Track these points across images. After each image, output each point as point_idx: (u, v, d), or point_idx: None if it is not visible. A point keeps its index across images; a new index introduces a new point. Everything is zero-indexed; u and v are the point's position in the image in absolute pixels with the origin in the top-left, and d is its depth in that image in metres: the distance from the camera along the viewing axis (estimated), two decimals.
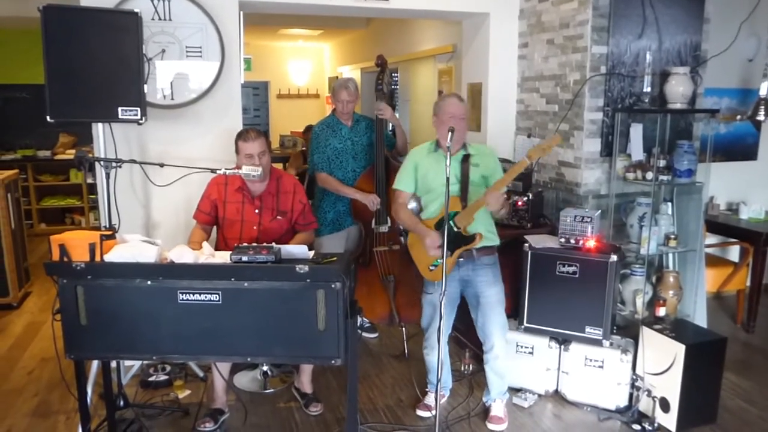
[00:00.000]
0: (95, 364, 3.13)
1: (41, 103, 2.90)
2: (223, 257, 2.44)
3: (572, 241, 3.25)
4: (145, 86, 3.08)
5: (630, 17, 3.66)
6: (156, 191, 3.46)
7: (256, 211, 3.04)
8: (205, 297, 2.32)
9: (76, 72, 2.89)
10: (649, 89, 3.63)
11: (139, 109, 3.01)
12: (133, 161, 2.99)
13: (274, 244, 2.41)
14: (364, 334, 4.19)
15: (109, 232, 2.50)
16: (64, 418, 3.17)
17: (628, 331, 3.45)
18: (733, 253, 4.93)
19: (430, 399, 3.25)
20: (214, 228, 3.14)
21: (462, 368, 3.65)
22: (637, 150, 3.63)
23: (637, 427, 3.08)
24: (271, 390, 3.45)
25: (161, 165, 2.87)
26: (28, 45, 6.58)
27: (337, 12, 4.30)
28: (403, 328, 3.93)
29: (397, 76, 7.38)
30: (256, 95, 10.36)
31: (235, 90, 3.74)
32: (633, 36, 3.69)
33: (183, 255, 2.38)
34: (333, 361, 2.36)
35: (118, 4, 3.38)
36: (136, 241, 2.46)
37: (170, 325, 2.36)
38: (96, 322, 2.36)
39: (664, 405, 3.04)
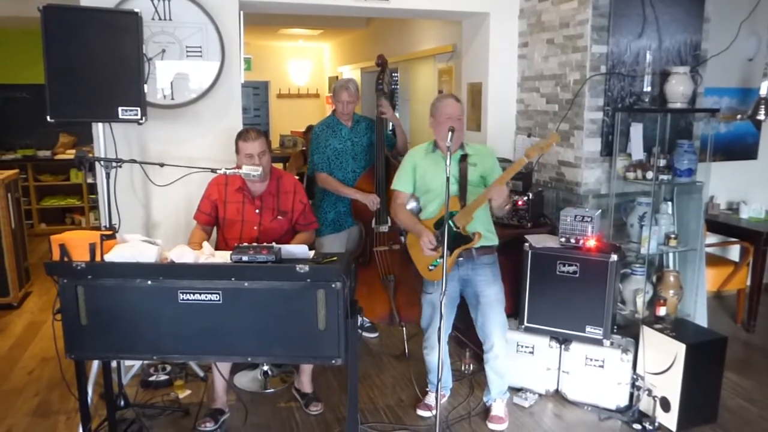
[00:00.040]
0: (96, 364, 3.13)
1: (41, 103, 2.90)
2: (224, 257, 2.44)
3: (572, 240, 3.25)
4: (145, 86, 3.08)
5: (630, 17, 3.66)
6: (156, 191, 3.46)
7: (257, 211, 3.04)
8: (206, 297, 2.32)
9: (76, 72, 2.89)
10: (649, 89, 3.63)
11: (139, 108, 3.01)
12: (133, 161, 2.99)
13: (274, 244, 2.41)
14: (365, 334, 4.19)
15: (110, 232, 2.50)
16: (65, 418, 3.17)
17: (628, 330, 3.45)
18: (734, 252, 4.93)
19: (430, 399, 3.25)
20: (215, 228, 3.14)
21: (462, 368, 3.65)
22: (637, 149, 3.63)
23: (637, 426, 3.08)
24: (272, 390, 3.45)
25: (161, 165, 2.86)
26: (28, 45, 6.58)
27: (337, 12, 4.30)
28: (404, 328, 3.93)
29: (397, 76, 7.38)
30: (256, 95, 10.36)
31: (236, 90, 3.74)
32: (633, 35, 3.69)
33: (183, 255, 2.38)
34: (333, 361, 2.36)
35: (118, 4, 3.38)
36: (136, 241, 2.46)
37: (170, 325, 2.36)
38: (96, 321, 2.36)
39: (665, 404, 3.04)
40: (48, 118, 2.88)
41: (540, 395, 3.38)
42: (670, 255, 3.77)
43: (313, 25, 8.09)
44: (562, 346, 3.32)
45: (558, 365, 3.34)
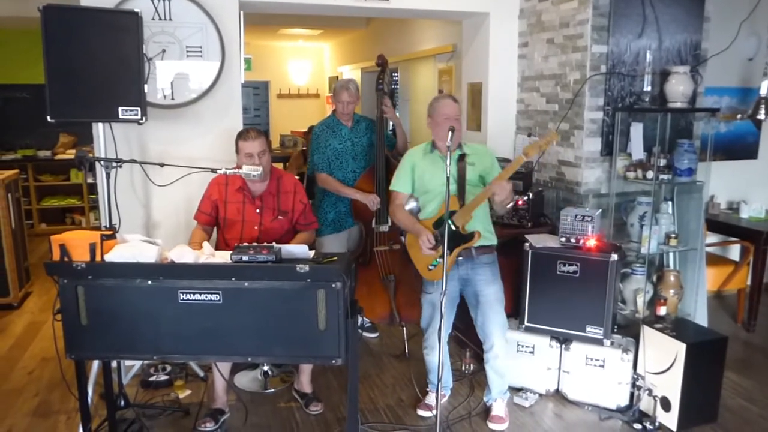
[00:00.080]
0: (96, 364, 3.13)
1: (41, 103, 2.90)
2: (224, 257, 2.44)
3: (573, 240, 3.25)
4: (146, 86, 3.08)
5: (630, 16, 3.65)
6: (156, 191, 3.46)
7: (257, 210, 3.04)
8: (206, 297, 2.31)
9: (77, 72, 2.89)
10: (649, 88, 3.63)
11: (139, 109, 3.01)
12: (133, 161, 2.98)
13: (274, 243, 2.41)
14: (365, 334, 4.19)
15: (110, 232, 2.50)
16: (65, 418, 3.17)
17: (628, 330, 3.45)
18: (734, 252, 4.93)
19: (430, 399, 3.25)
20: (215, 228, 3.14)
21: (463, 368, 3.65)
22: (637, 149, 3.63)
23: (638, 426, 3.08)
24: (272, 390, 3.45)
25: (161, 165, 2.86)
26: (28, 45, 6.58)
27: (337, 12, 4.30)
28: (404, 328, 3.93)
29: (397, 76, 7.38)
30: (257, 95, 10.36)
31: (236, 90, 3.74)
32: (633, 35, 3.69)
33: (183, 255, 2.38)
34: (333, 361, 2.36)
35: (118, 4, 3.38)
36: (136, 241, 2.45)
37: (171, 325, 2.36)
38: (96, 322, 2.36)
39: (665, 404, 3.04)
40: (48, 118, 2.89)
41: (540, 395, 3.38)
42: (671, 254, 3.77)
43: (313, 25, 8.09)
44: (563, 346, 3.32)
45: (558, 365, 3.34)
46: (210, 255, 2.47)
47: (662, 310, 3.31)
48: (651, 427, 3.04)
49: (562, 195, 3.98)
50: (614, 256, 3.14)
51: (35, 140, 7.17)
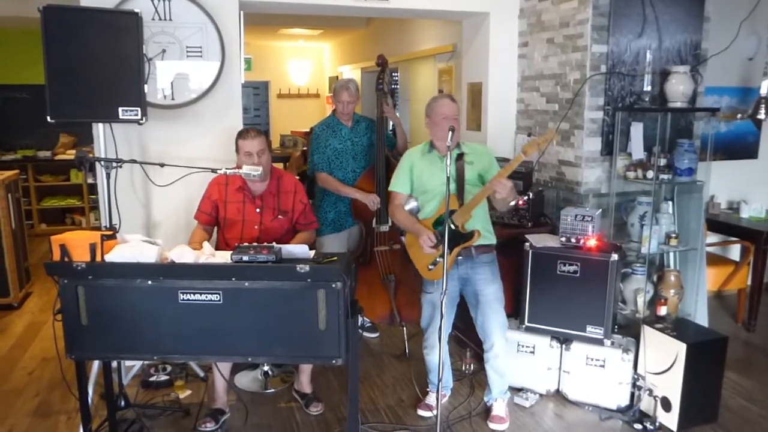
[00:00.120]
0: (96, 364, 3.13)
1: (41, 103, 2.90)
2: (224, 257, 2.43)
3: (573, 240, 3.25)
4: (146, 86, 3.08)
5: (630, 16, 3.65)
6: (156, 191, 3.46)
7: (258, 210, 3.04)
8: (206, 297, 2.31)
9: (77, 72, 2.89)
10: (649, 88, 3.63)
11: (139, 109, 3.01)
12: (133, 161, 2.98)
13: (274, 243, 2.41)
14: (365, 334, 4.19)
15: (110, 232, 2.49)
16: (65, 418, 3.17)
17: (629, 330, 3.45)
18: (734, 252, 4.93)
19: (431, 399, 3.25)
20: (215, 228, 3.14)
21: (463, 368, 3.65)
22: (637, 149, 3.63)
23: (638, 426, 3.07)
24: (272, 390, 3.45)
25: (162, 165, 2.86)
26: (28, 45, 6.58)
27: (337, 12, 4.30)
28: (404, 328, 3.93)
29: (397, 76, 7.37)
30: (257, 95, 10.36)
31: (236, 90, 3.74)
32: (633, 35, 3.68)
33: (183, 255, 2.38)
34: (334, 361, 2.35)
35: (118, 4, 3.38)
36: (136, 241, 2.45)
37: (171, 325, 2.36)
38: (97, 322, 2.36)
39: (666, 404, 3.04)
40: (48, 118, 2.89)
41: (541, 395, 3.38)
42: (671, 254, 3.77)
43: (313, 25, 8.09)
44: (563, 346, 3.32)
45: (559, 365, 3.34)
46: (210, 255, 2.47)
47: (662, 310, 3.30)
48: (651, 427, 3.03)
49: (562, 195, 3.98)
50: (614, 256, 3.14)
51: (35, 140, 7.17)
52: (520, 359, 3.37)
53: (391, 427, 3.09)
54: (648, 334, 3.15)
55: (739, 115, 4.56)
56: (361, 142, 3.82)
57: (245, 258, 2.30)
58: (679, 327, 3.16)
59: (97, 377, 3.15)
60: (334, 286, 2.28)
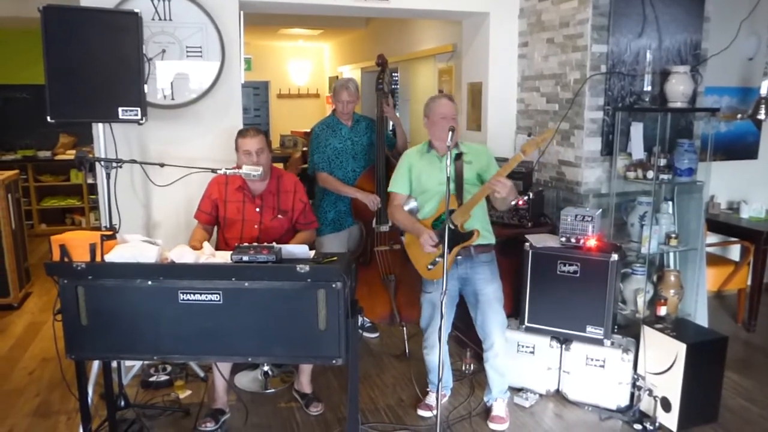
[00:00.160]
0: (96, 364, 3.13)
1: (41, 103, 2.90)
2: (224, 257, 2.43)
3: (573, 240, 3.25)
4: (146, 86, 3.08)
5: (630, 16, 3.65)
6: (156, 191, 3.46)
7: (257, 209, 3.04)
8: (206, 297, 2.31)
9: (76, 72, 2.89)
10: (649, 88, 3.63)
11: (139, 109, 3.01)
12: (133, 161, 2.99)
13: (274, 243, 2.41)
14: (365, 334, 4.19)
15: (110, 233, 2.50)
16: (65, 418, 3.17)
17: (629, 330, 3.45)
18: (734, 252, 4.93)
19: (431, 399, 3.25)
20: (215, 228, 3.14)
21: (463, 368, 3.65)
22: (637, 149, 3.63)
23: (638, 426, 3.07)
24: (272, 390, 3.45)
25: (161, 165, 2.87)
26: (28, 45, 6.58)
27: (337, 12, 4.30)
28: (404, 328, 3.93)
29: (397, 76, 7.37)
30: (257, 95, 10.36)
31: (236, 90, 3.74)
32: (633, 35, 3.68)
33: (183, 255, 2.38)
34: (334, 361, 2.36)
35: (118, 4, 3.38)
36: (136, 241, 2.45)
37: (171, 325, 2.36)
38: (97, 322, 2.36)
39: (666, 404, 3.04)
40: (48, 118, 2.89)
41: (541, 395, 3.38)
42: (671, 254, 3.77)
43: (313, 25, 8.09)
44: (563, 346, 3.32)
45: (559, 365, 3.34)
46: (210, 255, 2.47)
47: (662, 310, 3.30)
48: (651, 427, 3.03)
49: (562, 195, 3.98)
50: (614, 256, 3.14)
51: (35, 140, 7.17)
52: (520, 359, 3.37)
53: (391, 427, 3.09)
54: (648, 334, 3.15)
55: (739, 116, 4.56)
56: (361, 141, 3.82)
57: (245, 258, 2.30)
58: (678, 327, 3.16)
59: (97, 377, 3.15)
60: (334, 286, 2.28)
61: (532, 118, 4.26)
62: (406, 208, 3.02)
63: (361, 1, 3.96)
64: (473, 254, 2.95)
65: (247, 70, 5.49)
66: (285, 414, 3.22)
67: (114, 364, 3.08)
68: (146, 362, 3.53)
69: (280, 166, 6.41)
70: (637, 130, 3.63)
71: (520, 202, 3.71)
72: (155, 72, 3.47)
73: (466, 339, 3.73)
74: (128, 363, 3.39)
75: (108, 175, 2.87)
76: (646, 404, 3.14)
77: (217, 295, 2.31)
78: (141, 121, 3.04)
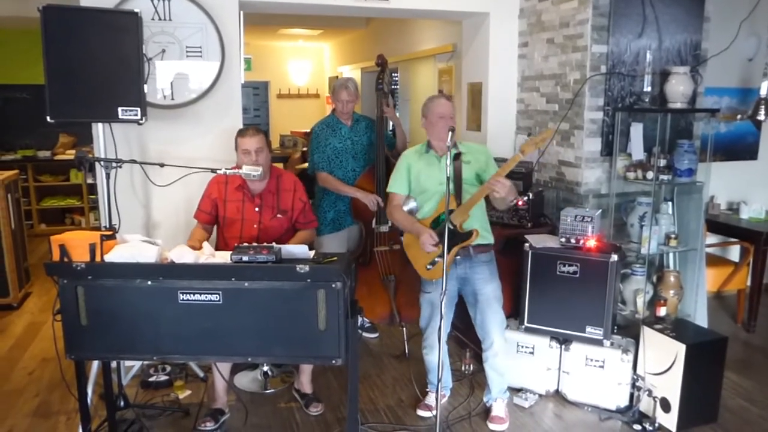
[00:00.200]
0: (95, 364, 3.13)
1: (41, 103, 2.90)
2: (224, 257, 2.43)
3: (573, 240, 3.25)
4: (145, 86, 3.08)
5: (630, 16, 3.65)
6: (156, 191, 3.46)
7: (257, 209, 3.04)
8: (206, 297, 2.31)
9: (76, 72, 2.89)
10: (649, 88, 3.63)
11: (139, 109, 3.01)
12: (133, 161, 2.99)
13: (274, 243, 2.41)
14: (365, 334, 4.19)
15: (110, 233, 2.50)
16: (65, 418, 3.17)
17: (628, 330, 3.45)
18: (734, 252, 4.93)
19: (430, 399, 3.25)
20: (215, 228, 3.14)
21: (463, 368, 3.65)
22: (637, 149, 3.63)
23: (637, 427, 3.07)
24: (272, 390, 3.45)
25: (161, 165, 2.87)
26: (28, 45, 6.58)
27: (337, 12, 4.30)
28: (404, 328, 3.93)
29: (397, 76, 7.37)
30: (256, 95, 10.36)
31: (236, 90, 3.74)
32: (633, 35, 3.68)
33: (183, 255, 2.38)
34: (333, 361, 2.36)
35: (118, 4, 3.38)
36: (136, 241, 2.45)
37: (170, 326, 2.36)
38: (96, 322, 2.36)
39: (665, 405, 3.04)
40: (48, 118, 2.89)
41: (540, 395, 3.38)
42: (671, 255, 3.77)
43: (313, 25, 8.09)
44: (563, 347, 3.32)
45: (558, 365, 3.34)
46: (210, 255, 2.47)
47: (662, 311, 3.30)
48: (651, 427, 3.03)
49: (562, 195, 3.98)
50: (614, 257, 3.14)
51: (35, 140, 7.17)
52: (520, 359, 3.37)
53: (390, 428, 3.09)
54: (647, 334, 3.15)
55: (738, 116, 4.56)
56: (361, 141, 3.82)
57: (245, 258, 2.31)
58: (678, 327, 3.16)
59: (96, 377, 3.15)
60: (334, 286, 2.28)
61: (532, 118, 4.26)
62: (406, 208, 3.02)
63: (361, 1, 3.96)
64: (472, 254, 2.95)
65: (247, 70, 5.49)
66: (285, 414, 3.22)
67: (114, 364, 3.08)
68: (146, 362, 3.53)
69: (280, 166, 6.42)
70: (636, 130, 3.63)
71: (520, 203, 3.71)
72: (155, 72, 3.47)
73: (466, 339, 3.73)
74: (128, 363, 3.39)
75: (108, 175, 2.87)
76: (645, 405, 3.14)
77: (217, 295, 2.31)
78: (141, 121, 3.04)
